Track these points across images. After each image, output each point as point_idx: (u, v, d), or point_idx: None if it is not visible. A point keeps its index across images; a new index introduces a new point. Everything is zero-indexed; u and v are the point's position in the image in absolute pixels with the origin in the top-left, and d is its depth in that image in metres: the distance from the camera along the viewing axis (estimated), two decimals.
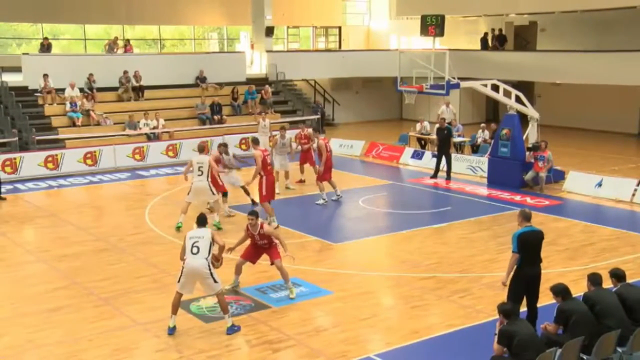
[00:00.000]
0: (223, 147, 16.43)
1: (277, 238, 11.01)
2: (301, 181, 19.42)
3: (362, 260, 13.01)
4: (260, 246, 10.99)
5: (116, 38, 28.81)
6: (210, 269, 9.55)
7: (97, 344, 9.37)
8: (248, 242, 11.16)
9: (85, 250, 13.61)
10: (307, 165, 19.24)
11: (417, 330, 9.78)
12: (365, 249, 13.88)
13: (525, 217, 9.27)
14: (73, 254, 13.30)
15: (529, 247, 9.10)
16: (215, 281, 9.59)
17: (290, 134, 19.72)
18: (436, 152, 20.44)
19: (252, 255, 11.15)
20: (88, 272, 12.27)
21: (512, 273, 9.18)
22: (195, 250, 9.46)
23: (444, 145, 19.88)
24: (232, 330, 9.67)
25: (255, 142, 15.52)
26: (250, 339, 9.59)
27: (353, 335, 9.60)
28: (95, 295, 11.15)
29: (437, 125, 20.34)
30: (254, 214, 10.86)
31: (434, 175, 20.08)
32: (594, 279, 8.64)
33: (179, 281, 9.61)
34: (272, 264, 10.98)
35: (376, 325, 10.06)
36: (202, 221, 9.93)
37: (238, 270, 11.31)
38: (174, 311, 9.67)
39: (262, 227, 10.81)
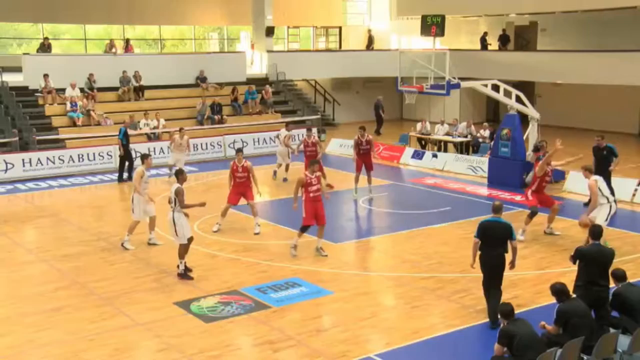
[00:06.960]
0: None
1: None
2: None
3: (363, 260, 13.01)
4: None
5: (111, 41, 28.49)
6: None
7: (98, 343, 9.38)
8: None
9: (86, 250, 13.62)
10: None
11: (417, 330, 9.79)
12: (365, 249, 13.88)
13: (493, 209, 10.03)
14: (74, 254, 13.31)
15: (488, 234, 9.78)
16: None
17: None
18: (436, 152, 20.45)
19: None
20: (89, 272, 12.29)
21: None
22: None
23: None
24: None
25: None
26: (250, 339, 9.61)
27: (353, 335, 9.61)
28: (95, 295, 11.17)
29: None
30: None
31: None
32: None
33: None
34: None
35: (376, 325, 10.06)
36: None
37: None
38: None
39: None
